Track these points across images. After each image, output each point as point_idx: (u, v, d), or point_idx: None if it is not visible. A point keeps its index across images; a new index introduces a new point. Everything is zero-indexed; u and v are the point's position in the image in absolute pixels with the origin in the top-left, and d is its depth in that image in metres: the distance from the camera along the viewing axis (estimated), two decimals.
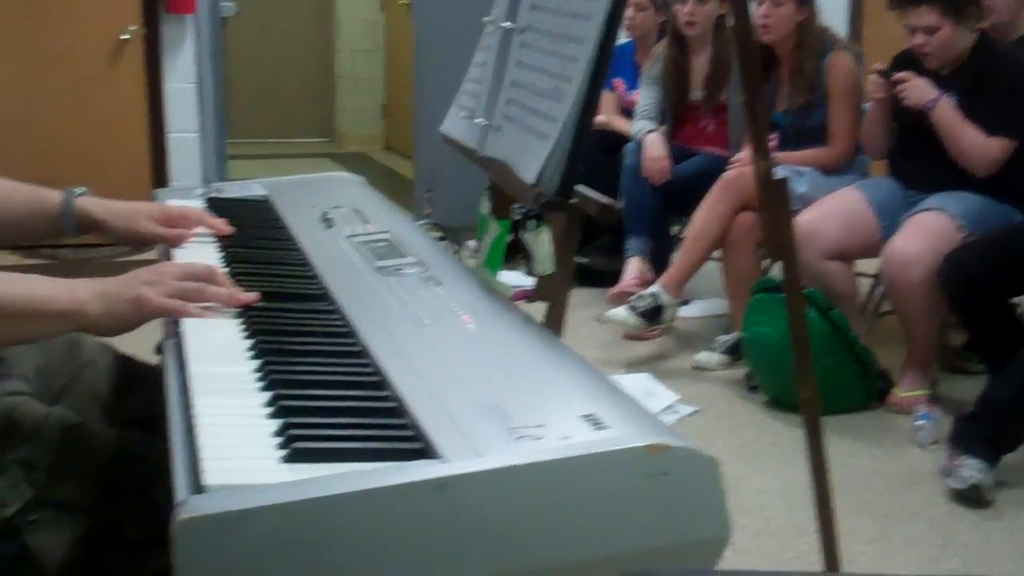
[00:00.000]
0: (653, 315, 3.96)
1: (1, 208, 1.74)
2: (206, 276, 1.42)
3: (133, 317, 1.36)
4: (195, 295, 1.39)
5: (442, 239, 4.40)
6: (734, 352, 3.90)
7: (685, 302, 4.39)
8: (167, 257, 1.71)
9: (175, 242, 1.76)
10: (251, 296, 1.41)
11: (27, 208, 1.74)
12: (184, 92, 5.39)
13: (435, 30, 5.91)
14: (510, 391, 1.14)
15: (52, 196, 1.74)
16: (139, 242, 1.81)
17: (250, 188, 2.17)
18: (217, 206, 2.00)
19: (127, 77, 5.28)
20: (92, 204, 1.74)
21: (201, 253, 1.67)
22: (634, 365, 3.94)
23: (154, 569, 1.37)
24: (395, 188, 6.35)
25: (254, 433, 1.06)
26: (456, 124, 1.92)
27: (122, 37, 5.19)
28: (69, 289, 1.35)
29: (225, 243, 1.74)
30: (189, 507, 0.91)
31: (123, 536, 1.41)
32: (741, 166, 3.96)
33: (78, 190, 1.76)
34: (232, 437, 1.05)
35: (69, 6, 5.15)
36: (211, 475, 0.96)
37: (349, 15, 9.44)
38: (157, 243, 1.80)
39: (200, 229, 1.79)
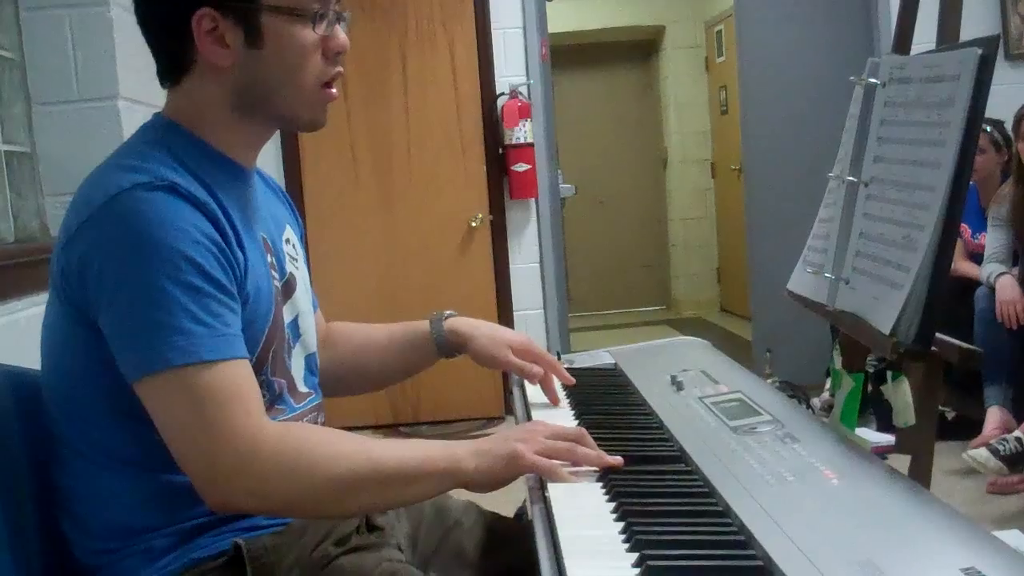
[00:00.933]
0: (1017, 460, 3.71)
1: (388, 343, 1.93)
2: (576, 438, 1.46)
3: (507, 473, 1.42)
4: (566, 455, 1.43)
5: (792, 397, 4.32)
6: None
7: None
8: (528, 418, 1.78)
9: (528, 375, 1.86)
10: (617, 460, 1.44)
11: (407, 339, 1.92)
12: (528, 271, 5.65)
13: (765, 192, 5.96)
14: (882, 546, 1.11)
15: (422, 323, 1.92)
16: (495, 365, 1.89)
17: (599, 357, 2.24)
18: (570, 375, 2.08)
19: (477, 260, 5.60)
20: (460, 322, 1.90)
21: (558, 418, 1.73)
22: (1003, 522, 3.68)
23: None
24: (734, 349, 6.32)
25: None
26: (803, 280, 1.92)
27: (472, 224, 5.53)
28: (446, 448, 1.44)
29: (581, 409, 1.79)
30: None
31: None
32: None
33: (447, 312, 1.91)
34: None
35: (424, 198, 5.56)
36: None
37: (680, 185, 9.65)
38: (511, 371, 1.89)
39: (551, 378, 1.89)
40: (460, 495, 1.78)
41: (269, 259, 1.55)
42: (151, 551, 1.44)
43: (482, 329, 1.91)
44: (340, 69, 1.53)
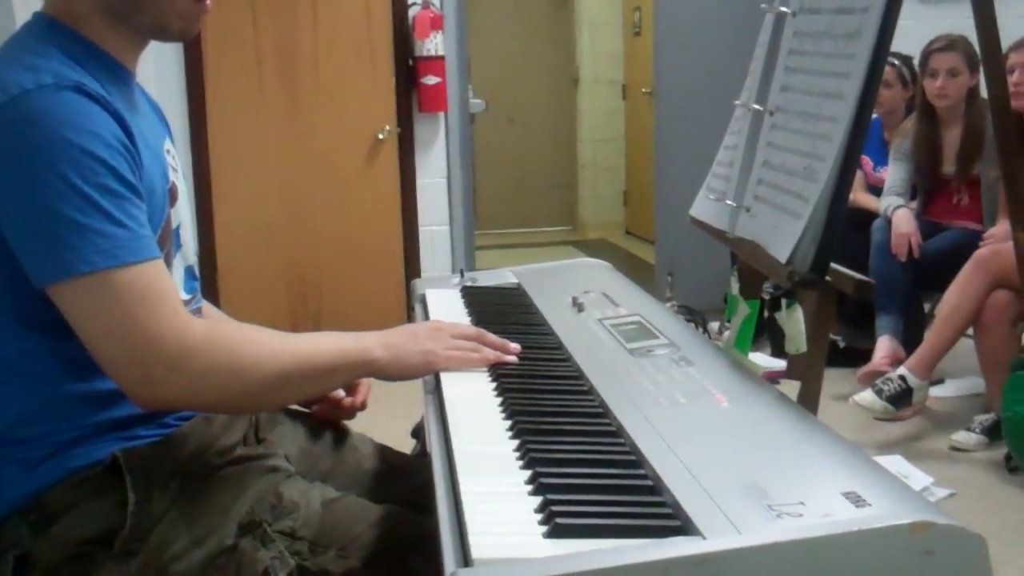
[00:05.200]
0: (901, 399, 3.84)
1: None
2: (476, 336, 1.61)
3: (421, 369, 1.53)
4: (472, 352, 1.57)
5: (689, 321, 4.39)
6: (992, 432, 3.74)
7: (938, 381, 4.24)
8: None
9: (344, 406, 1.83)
10: (516, 347, 1.60)
11: None
12: (435, 187, 5.61)
13: (675, 116, 5.98)
14: (768, 468, 1.14)
15: None
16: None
17: (502, 276, 2.25)
18: (472, 294, 2.08)
19: (383, 173, 5.54)
20: None
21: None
22: (886, 447, 3.81)
23: None
24: (637, 272, 6.39)
25: (516, 509, 1.10)
26: (706, 207, 1.94)
27: (379, 136, 5.47)
28: (358, 340, 1.51)
29: (483, 327, 1.80)
30: None
31: None
32: (995, 243, 3.81)
33: None
34: (496, 512, 1.09)
35: (331, 109, 5.47)
36: (478, 549, 1.00)
37: (591, 106, 9.63)
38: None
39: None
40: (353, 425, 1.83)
41: (158, 164, 1.53)
42: (27, 461, 1.42)
43: None
44: None
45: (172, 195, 1.56)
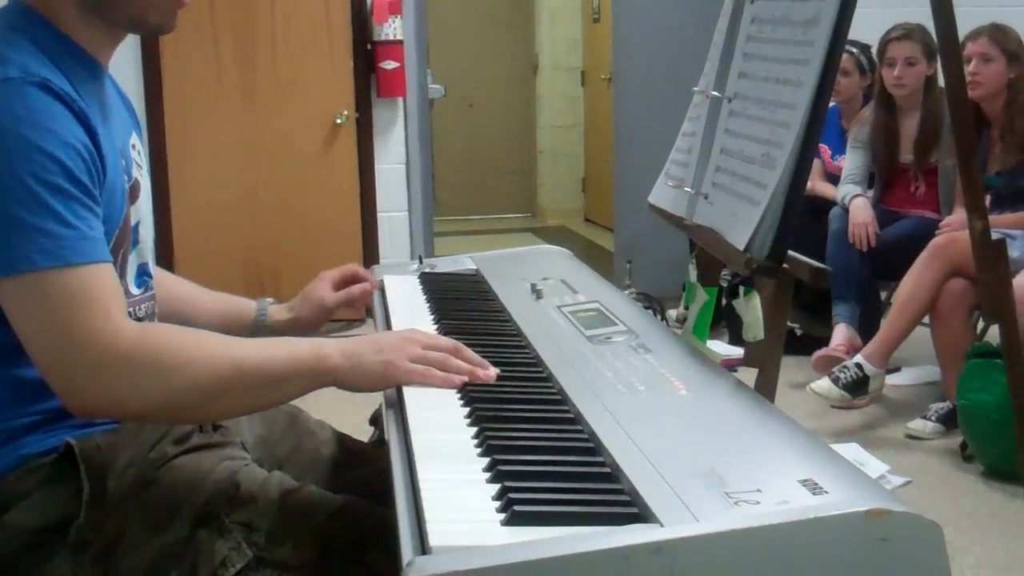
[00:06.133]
0: (857, 387, 3.88)
1: (206, 305, 1.87)
2: (451, 350, 1.46)
3: (380, 381, 1.42)
4: (438, 365, 1.43)
5: (648, 308, 4.41)
6: (948, 420, 3.77)
7: (894, 370, 4.28)
8: (387, 327, 1.77)
9: (363, 297, 1.91)
10: (491, 373, 1.44)
11: (228, 309, 1.88)
12: (394, 172, 5.59)
13: (634, 104, 5.99)
14: (725, 456, 1.14)
15: (247, 303, 1.88)
16: (330, 315, 1.91)
17: (461, 262, 2.24)
18: (431, 280, 2.08)
19: (341, 159, 5.51)
20: (278, 309, 1.89)
21: (418, 324, 1.73)
22: (842, 434, 3.84)
23: None
24: (596, 259, 6.40)
25: (474, 497, 1.09)
26: (664, 194, 1.94)
27: (336, 121, 5.44)
28: (314, 346, 1.42)
29: (440, 314, 1.79)
30: (417, 568, 0.93)
31: None
32: (951, 231, 3.85)
33: (269, 300, 1.90)
34: (454, 500, 1.08)
35: (289, 94, 5.43)
36: (436, 536, 0.99)
37: (550, 92, 9.63)
38: (348, 304, 1.92)
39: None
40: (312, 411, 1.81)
41: (122, 162, 1.52)
42: None
43: (296, 301, 1.91)
44: None
45: (133, 192, 1.55)
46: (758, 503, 1.01)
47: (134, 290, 1.57)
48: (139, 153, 1.63)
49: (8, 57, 1.36)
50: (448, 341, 1.49)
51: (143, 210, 1.60)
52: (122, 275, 1.52)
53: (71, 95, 1.38)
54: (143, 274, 1.62)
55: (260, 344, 1.46)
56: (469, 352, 1.47)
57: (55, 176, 1.32)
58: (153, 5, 1.49)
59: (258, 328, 1.86)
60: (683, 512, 1.00)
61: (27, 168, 1.30)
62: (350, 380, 1.41)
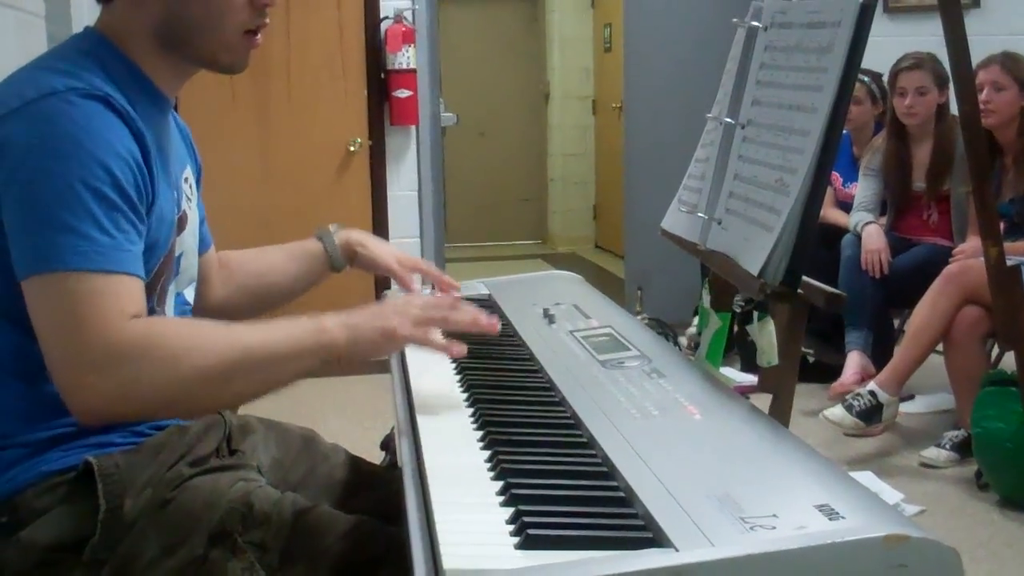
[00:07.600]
0: (871, 414, 3.86)
1: (287, 262, 1.95)
2: (449, 306, 1.51)
3: (382, 347, 1.45)
4: (440, 324, 1.47)
5: (661, 334, 4.40)
6: (963, 449, 3.74)
7: (908, 398, 4.26)
8: None
9: (406, 285, 1.96)
10: (494, 321, 1.51)
11: (304, 256, 1.95)
12: (406, 199, 5.59)
13: (644, 132, 6.01)
14: (740, 481, 1.13)
15: (311, 240, 1.96)
16: (380, 270, 1.99)
17: (473, 288, 2.24)
18: None
19: (354, 186, 5.52)
20: (351, 232, 1.97)
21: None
22: (856, 463, 3.82)
23: None
24: (606, 286, 6.38)
25: (488, 520, 1.09)
26: (677, 219, 1.94)
27: (350, 148, 5.45)
28: (315, 321, 1.43)
29: (453, 338, 1.79)
30: None
31: None
32: (964, 259, 3.84)
33: (331, 226, 1.95)
34: (467, 523, 1.08)
35: (302, 120, 5.45)
36: (449, 559, 0.99)
37: (562, 121, 9.66)
38: (393, 277, 1.97)
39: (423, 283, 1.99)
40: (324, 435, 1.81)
41: (173, 193, 1.55)
42: (1, 461, 1.41)
43: (373, 239, 1.99)
44: (266, 20, 1.55)
45: (180, 224, 1.57)
46: (774, 528, 1.00)
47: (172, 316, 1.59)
48: (191, 187, 1.66)
49: (74, 73, 1.41)
50: (446, 298, 1.56)
51: (187, 243, 1.63)
52: (161, 303, 1.54)
53: (131, 114, 1.41)
54: (182, 304, 1.64)
55: (262, 325, 1.45)
56: (470, 306, 1.52)
57: (103, 184, 1.34)
58: (227, 45, 1.52)
59: (332, 253, 1.95)
60: (698, 537, 1.00)
61: (78, 173, 1.33)
62: (352, 351, 1.42)
